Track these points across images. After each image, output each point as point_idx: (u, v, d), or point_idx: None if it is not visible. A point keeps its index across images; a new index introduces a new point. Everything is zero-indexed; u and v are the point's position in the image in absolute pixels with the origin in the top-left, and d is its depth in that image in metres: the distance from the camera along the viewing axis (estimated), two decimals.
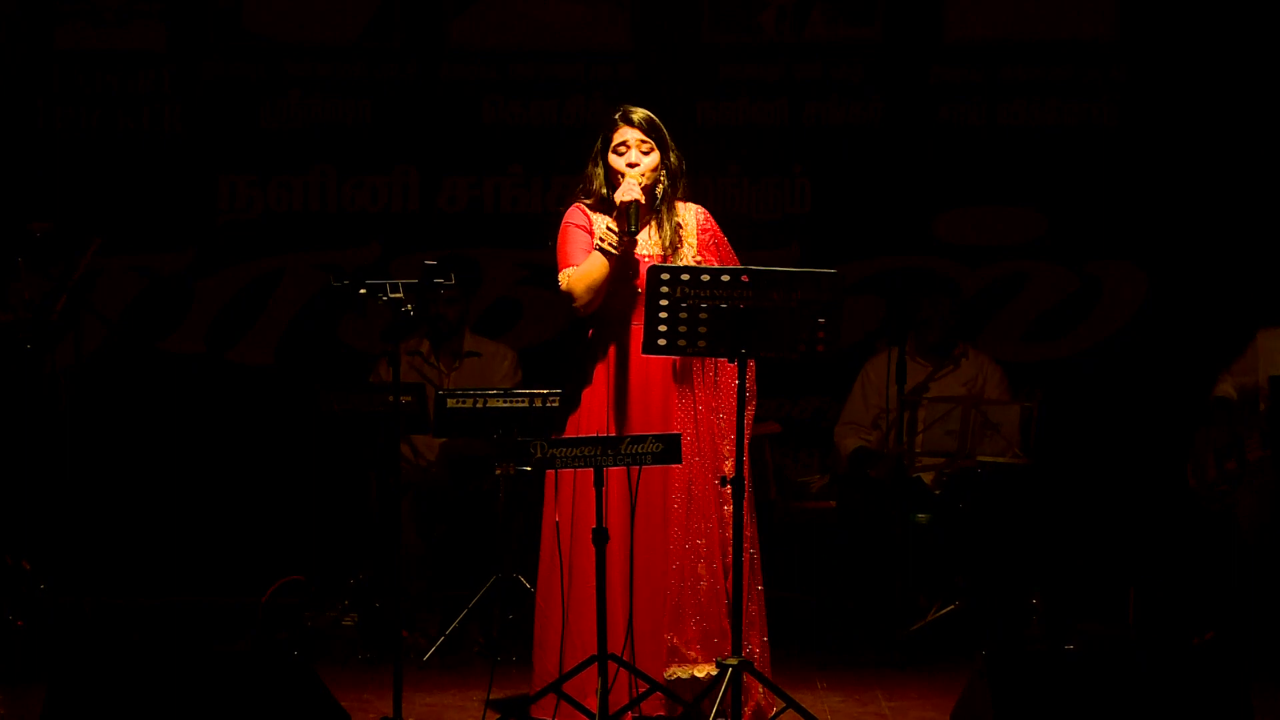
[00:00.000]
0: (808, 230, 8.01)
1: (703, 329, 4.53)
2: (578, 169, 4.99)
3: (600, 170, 4.89)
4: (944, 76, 8.02)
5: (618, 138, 4.85)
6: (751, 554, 4.85)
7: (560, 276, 4.83)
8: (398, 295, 5.02)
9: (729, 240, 5.02)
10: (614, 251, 4.75)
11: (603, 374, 4.84)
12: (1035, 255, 7.98)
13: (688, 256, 4.88)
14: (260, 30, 7.99)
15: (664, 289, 4.51)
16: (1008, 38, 7.98)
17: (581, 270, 4.78)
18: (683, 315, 4.52)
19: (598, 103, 7.96)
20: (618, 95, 7.71)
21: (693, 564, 4.78)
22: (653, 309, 4.52)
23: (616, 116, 4.87)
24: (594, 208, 4.91)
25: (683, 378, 4.84)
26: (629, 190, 4.77)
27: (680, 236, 4.90)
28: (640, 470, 4.67)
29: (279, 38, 7.99)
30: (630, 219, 4.74)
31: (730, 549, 4.67)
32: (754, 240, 7.77)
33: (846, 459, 7.13)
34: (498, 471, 6.32)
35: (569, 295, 4.81)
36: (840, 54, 8.03)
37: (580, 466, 4.55)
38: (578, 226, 4.88)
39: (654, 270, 4.52)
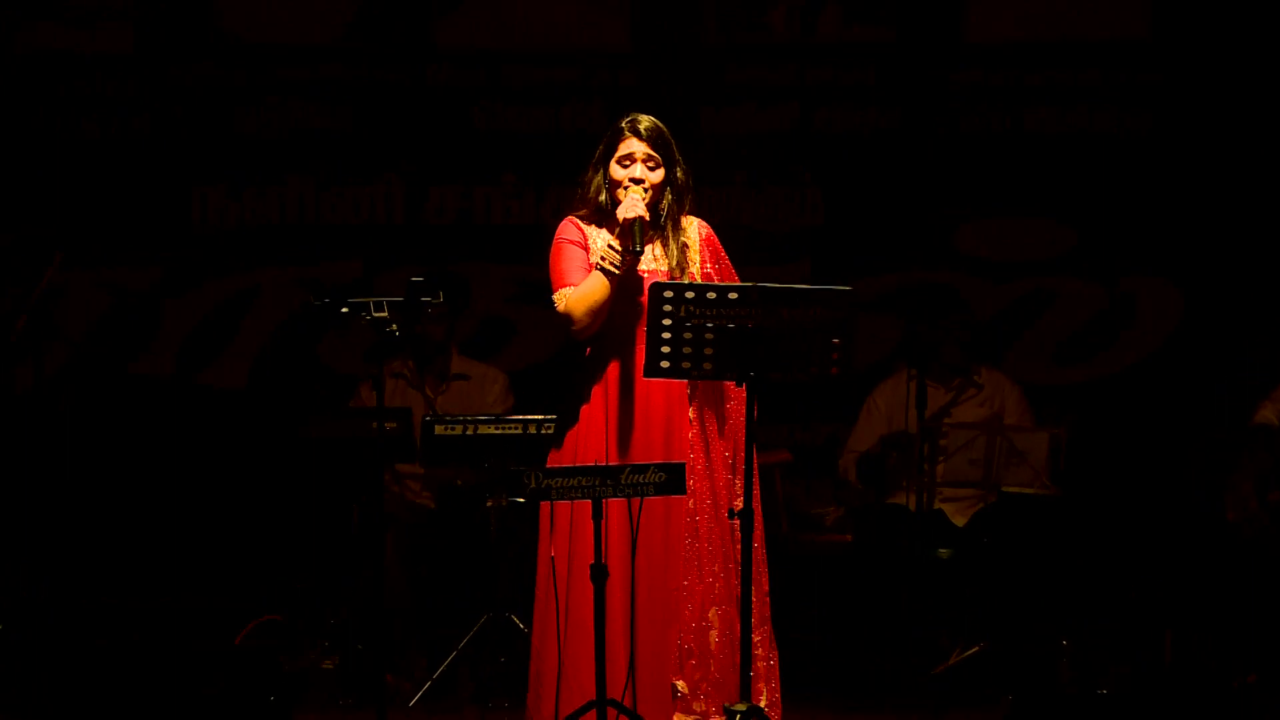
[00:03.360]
0: (819, 244, 8.00)
1: (708, 350, 4.51)
2: (575, 179, 4.97)
3: (600, 179, 4.86)
4: (965, 80, 8.02)
5: (623, 148, 4.83)
6: (764, 595, 4.83)
7: (556, 297, 4.81)
8: (382, 314, 5.00)
9: (729, 257, 5.01)
10: (615, 271, 4.73)
11: (601, 397, 4.82)
12: (1063, 271, 7.97)
13: (693, 274, 4.87)
14: (235, 31, 7.99)
15: (667, 308, 4.50)
16: (1033, 38, 7.98)
17: (581, 291, 4.76)
18: (687, 336, 4.51)
19: (596, 108, 7.96)
20: (617, 100, 7.73)
21: (701, 605, 4.75)
22: (655, 329, 4.51)
23: (624, 125, 4.84)
24: (589, 220, 4.88)
25: (690, 402, 4.82)
26: (633, 206, 4.74)
27: (686, 254, 4.89)
28: (642, 502, 4.65)
29: (255, 39, 7.99)
30: (634, 237, 4.72)
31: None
32: (761, 254, 7.77)
33: (857, 479, 7.12)
34: (489, 503, 6.31)
35: (567, 318, 4.78)
36: (854, 56, 8.03)
37: (577, 498, 4.53)
38: (572, 243, 4.85)
39: (656, 288, 4.51)
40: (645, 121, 4.85)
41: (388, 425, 6.35)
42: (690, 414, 4.82)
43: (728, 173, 8.00)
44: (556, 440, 4.90)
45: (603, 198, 4.86)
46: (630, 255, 4.73)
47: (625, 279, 4.79)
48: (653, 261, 4.87)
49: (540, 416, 6.25)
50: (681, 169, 4.89)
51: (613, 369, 4.82)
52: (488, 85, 8.03)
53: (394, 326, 4.99)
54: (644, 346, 4.63)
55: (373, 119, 8.03)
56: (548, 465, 4.83)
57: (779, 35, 8.05)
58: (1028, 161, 7.98)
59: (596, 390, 4.83)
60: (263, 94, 8.01)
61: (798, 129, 8.03)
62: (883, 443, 7.06)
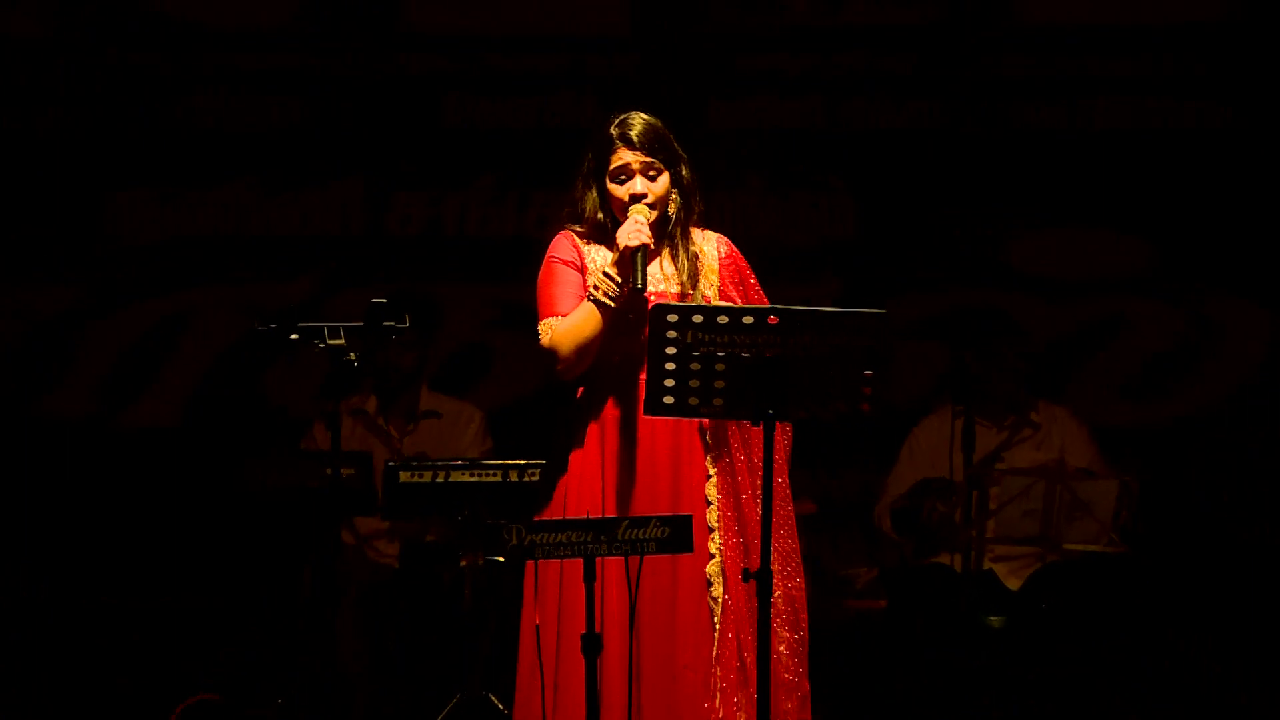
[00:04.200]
0: (849, 259, 8.01)
1: (719, 384, 4.50)
2: (563, 182, 4.96)
3: (593, 194, 4.85)
4: (1018, 68, 8.05)
5: (616, 161, 4.79)
6: (791, 680, 4.82)
7: (542, 327, 4.78)
8: (338, 341, 5.01)
9: (757, 276, 5.02)
10: (610, 304, 4.72)
11: (597, 441, 4.80)
12: (1134, 291, 7.98)
13: (709, 296, 4.86)
14: (167, 10, 8.01)
15: (671, 333, 4.48)
16: (1098, 21, 8.01)
17: (570, 324, 4.73)
18: (694, 367, 4.50)
19: (589, 100, 7.98)
20: (613, 90, 7.75)
21: (709, 689, 4.75)
22: (657, 359, 4.49)
23: (613, 133, 4.80)
24: (587, 236, 4.87)
25: (708, 450, 4.82)
26: (635, 233, 4.71)
27: (699, 269, 4.88)
28: (642, 562, 4.65)
29: (190, 18, 8.01)
30: (636, 268, 4.70)
31: (777, 673, 4.69)
32: (781, 271, 7.77)
33: (891, 528, 7.12)
34: (463, 562, 6.30)
35: (551, 354, 4.74)
36: (888, 40, 8.06)
37: (567, 556, 4.51)
38: (565, 263, 4.83)
39: (659, 311, 4.48)
40: (637, 126, 4.81)
41: (344, 472, 6.33)
42: (708, 463, 4.81)
43: (741, 176, 8.02)
44: (544, 491, 4.90)
45: (600, 216, 4.86)
46: (629, 288, 4.71)
47: (624, 311, 4.78)
48: (660, 281, 4.84)
49: (524, 461, 6.24)
50: (688, 168, 4.89)
51: (611, 408, 4.81)
52: (462, 74, 8.06)
53: (352, 356, 5.00)
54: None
55: (327, 113, 8.05)
56: (533, 519, 4.83)
57: (799, 16, 8.08)
58: (1091, 163, 8.00)
59: (591, 433, 4.81)
60: (199, 83, 8.03)
61: (822, 125, 8.05)
62: (921, 489, 7.07)
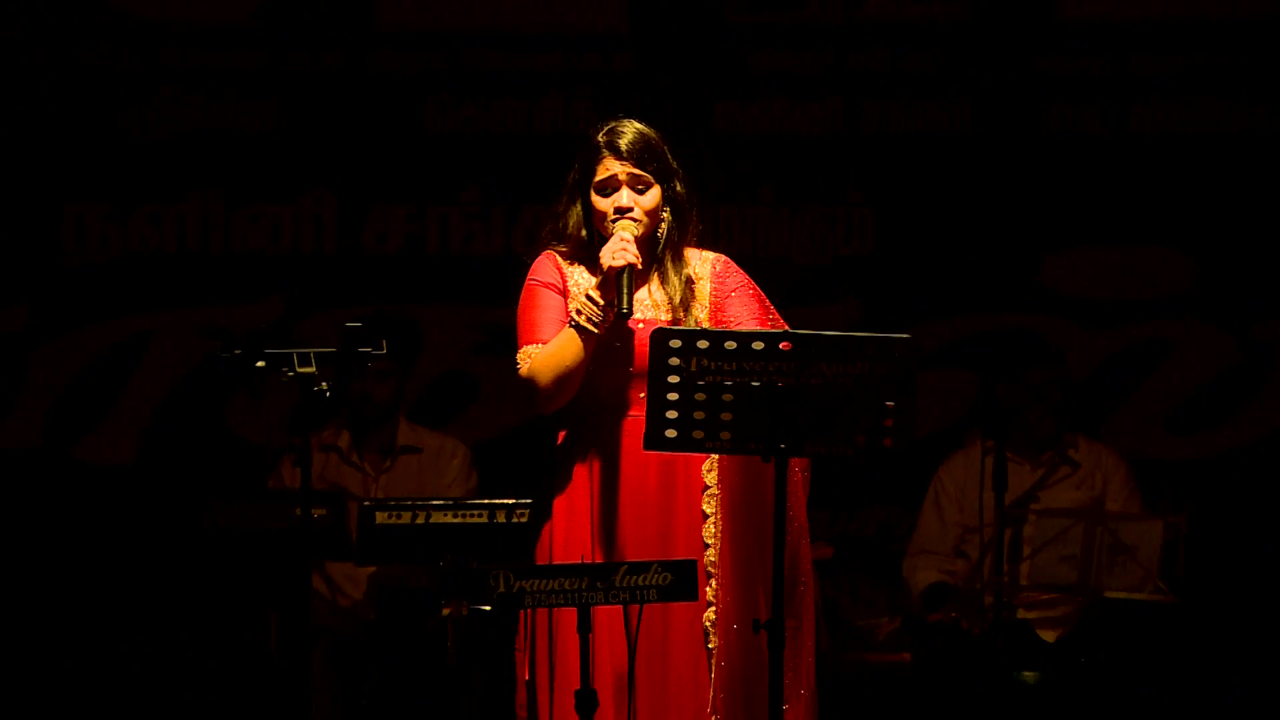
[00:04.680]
0: (869, 278, 8.01)
1: (726, 416, 4.49)
2: (556, 195, 4.96)
3: (578, 209, 4.82)
4: (1055, 68, 8.05)
5: (602, 172, 4.76)
6: None
7: (520, 356, 4.74)
8: (308, 369, 5.00)
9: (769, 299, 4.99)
10: (593, 330, 4.70)
11: (584, 481, 4.79)
12: (1182, 314, 7.98)
13: (701, 322, 4.84)
14: (118, 6, 8.01)
15: (674, 360, 4.48)
16: (1141, 15, 8.01)
17: (549, 352, 4.70)
18: (699, 398, 4.48)
19: (583, 103, 7.99)
20: (610, 92, 7.75)
21: None
22: (658, 389, 4.48)
23: (600, 141, 4.77)
24: (570, 256, 4.85)
25: (707, 482, 4.80)
26: (620, 251, 4.67)
27: (692, 294, 4.86)
28: (642, 611, 4.64)
29: (144, 15, 8.01)
30: (622, 290, 4.67)
31: None
32: (795, 292, 7.76)
33: (919, 599, 7.11)
34: (446, 611, 6.29)
35: (530, 385, 4.70)
36: (912, 38, 8.07)
37: (560, 605, 4.50)
38: (546, 285, 4.80)
39: (660, 336, 4.47)
40: (627, 134, 4.77)
41: (315, 512, 6.33)
42: (705, 503, 4.80)
43: (750, 187, 8.02)
44: (532, 535, 4.88)
45: (584, 233, 4.84)
46: (613, 311, 4.68)
47: (613, 333, 4.77)
48: (649, 308, 4.82)
49: (512, 501, 6.24)
50: (682, 182, 4.85)
51: (598, 446, 4.77)
52: (444, 75, 8.06)
53: (324, 385, 5.00)
54: (642, 415, 4.64)
55: (296, 119, 8.05)
56: (525, 563, 4.82)
57: (815, 12, 8.08)
58: (1134, 172, 8.00)
59: (578, 474, 4.78)
60: (157, 86, 8.03)
61: (840, 131, 8.06)
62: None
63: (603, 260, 4.66)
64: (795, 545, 4.81)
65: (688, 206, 4.85)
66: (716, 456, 4.78)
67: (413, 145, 8.06)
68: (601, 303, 4.66)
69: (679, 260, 4.85)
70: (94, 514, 7.90)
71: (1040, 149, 8.04)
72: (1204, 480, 7.79)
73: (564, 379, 4.69)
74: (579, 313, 4.67)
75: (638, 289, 4.74)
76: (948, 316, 7.99)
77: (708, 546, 4.79)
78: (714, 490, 4.79)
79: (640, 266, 4.70)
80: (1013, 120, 8.06)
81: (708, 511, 4.80)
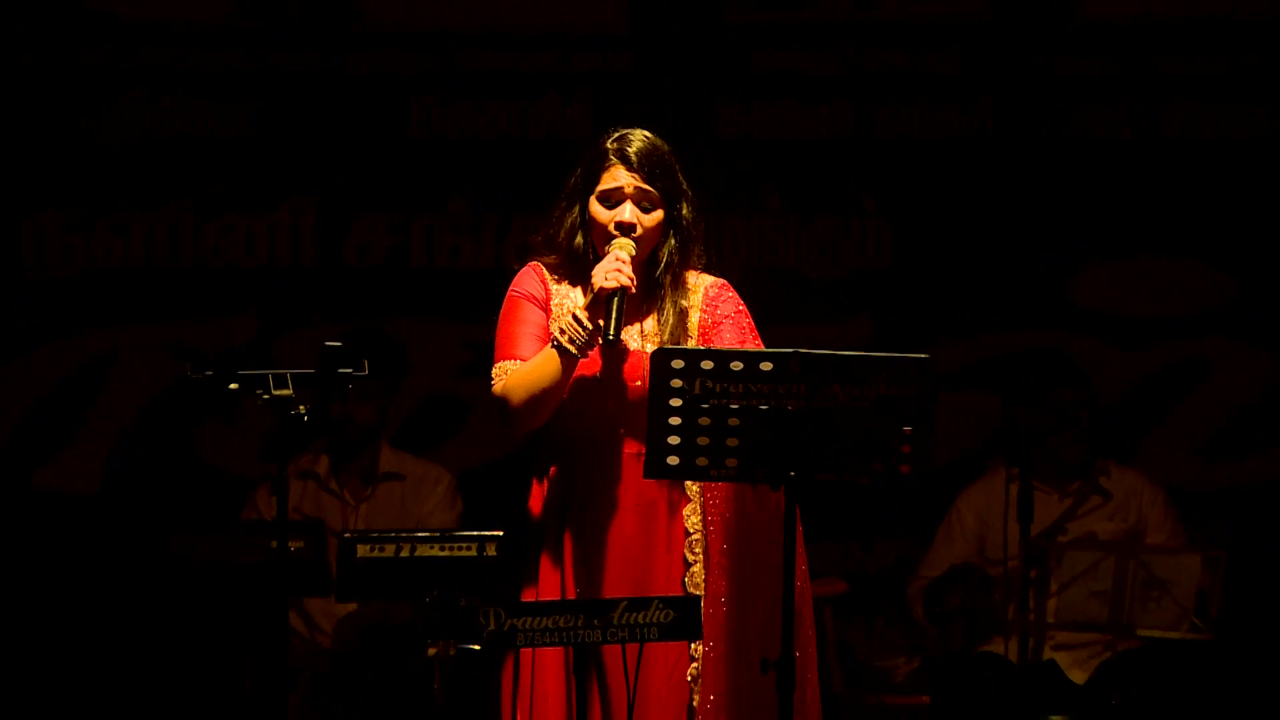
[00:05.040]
0: (884, 294, 8.01)
1: (732, 441, 4.48)
2: (548, 206, 4.93)
3: (575, 216, 4.78)
4: (1079, 69, 8.06)
5: (608, 180, 4.73)
6: None
7: (495, 371, 4.69)
8: (284, 391, 5.00)
9: (756, 322, 4.94)
10: (574, 352, 4.67)
11: (560, 523, 4.75)
12: (1219, 331, 7.98)
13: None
14: (89, 4, 8.01)
15: (676, 382, 4.48)
16: (1173, 13, 8.02)
17: (525, 371, 4.65)
18: (703, 422, 4.48)
19: (579, 107, 7.99)
20: (608, 95, 7.75)
21: None
22: (660, 413, 4.48)
23: (609, 146, 4.74)
24: (558, 269, 4.81)
25: (689, 529, 4.79)
26: (613, 272, 4.63)
27: (684, 326, 4.81)
28: (641, 651, 4.64)
29: (114, 11, 8.01)
30: (611, 315, 4.64)
31: None
32: (805, 309, 7.78)
33: (922, 606, 7.12)
34: (431, 651, 6.29)
35: (501, 404, 4.66)
36: (929, 37, 8.07)
37: (552, 644, 4.50)
38: (528, 298, 4.78)
39: (662, 356, 4.46)
40: (638, 142, 4.74)
41: (292, 544, 6.33)
42: (687, 550, 4.77)
43: (756, 195, 8.02)
44: (509, 571, 4.88)
45: (578, 242, 4.81)
46: (598, 335, 4.65)
47: (595, 363, 4.74)
48: (639, 338, 4.77)
49: (502, 533, 6.24)
50: (689, 206, 4.80)
51: (574, 485, 4.76)
52: (432, 76, 8.06)
53: (301, 409, 4.99)
54: (625, 452, 4.64)
55: (273, 123, 8.05)
56: (518, 599, 4.81)
57: (826, 9, 8.09)
58: (1167, 180, 8.00)
59: (551, 515, 4.76)
60: (125, 88, 8.03)
61: (853, 136, 8.06)
62: (953, 578, 7.06)
63: (594, 280, 4.62)
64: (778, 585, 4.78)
65: (693, 234, 4.81)
66: (700, 501, 4.76)
67: (397, 151, 8.07)
68: (589, 326, 4.61)
69: (677, 290, 4.81)
70: (55, 547, 7.88)
71: (1066, 155, 8.04)
72: (1244, 510, 7.78)
73: (537, 401, 4.66)
74: (561, 332, 4.62)
75: (629, 320, 4.71)
76: (968, 335, 7.99)
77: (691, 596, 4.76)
78: (697, 537, 4.76)
79: (634, 291, 4.66)
80: (1036, 124, 8.06)
81: (690, 559, 4.77)
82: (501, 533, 6.22)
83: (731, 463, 4.52)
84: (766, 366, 4.48)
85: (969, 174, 8.04)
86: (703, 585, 4.73)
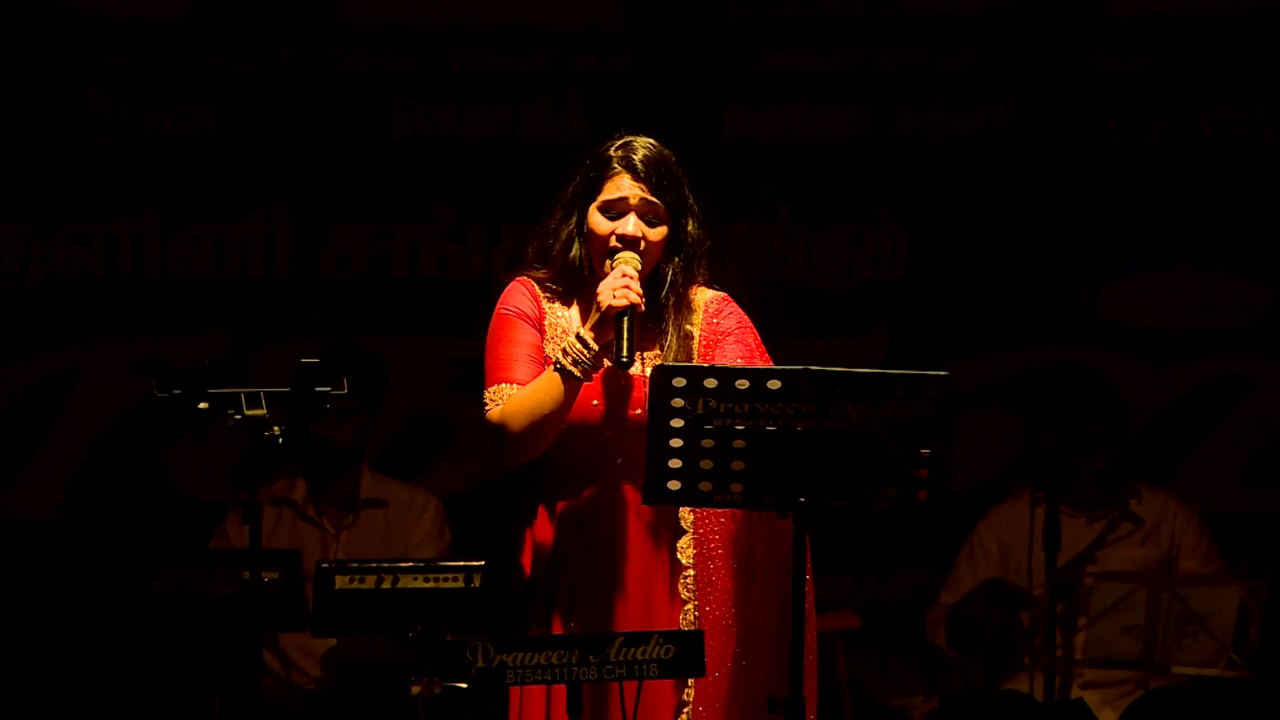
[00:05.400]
0: (901, 308, 8.01)
1: (738, 465, 4.48)
2: (539, 214, 4.93)
3: (571, 227, 4.76)
4: (1110, 67, 8.06)
5: (611, 189, 4.71)
6: None
7: (490, 395, 4.68)
8: (258, 411, 5.00)
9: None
10: (577, 376, 4.65)
11: (552, 558, 4.76)
12: (1259, 348, 7.98)
13: None
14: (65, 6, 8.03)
15: (677, 401, 4.47)
16: (1212, 8, 8.02)
17: (526, 396, 4.63)
18: (706, 445, 4.48)
19: (573, 109, 7.99)
20: (603, 97, 7.76)
21: None
22: (660, 434, 4.47)
23: (613, 153, 4.72)
24: (550, 285, 4.80)
25: (678, 560, 4.78)
26: (622, 290, 4.59)
27: (687, 349, 4.80)
28: (640, 689, 4.64)
29: (73, 8, 8.01)
30: (621, 335, 4.60)
31: None
32: (817, 322, 7.78)
33: (946, 629, 7.13)
34: (416, 690, 6.28)
35: (499, 431, 4.65)
36: (949, 33, 8.08)
37: (544, 681, 4.50)
38: (520, 316, 4.76)
39: (663, 374, 4.47)
40: (644, 150, 4.73)
41: (266, 576, 6.34)
42: (681, 585, 4.77)
43: (764, 202, 8.03)
44: (498, 603, 4.88)
45: (574, 254, 4.79)
46: (608, 358, 4.63)
47: (598, 386, 4.73)
48: (638, 363, 4.76)
49: (490, 563, 6.23)
50: (695, 222, 4.80)
51: (568, 518, 4.76)
52: (416, 76, 8.07)
53: (276, 430, 4.99)
54: (623, 483, 4.65)
55: (246, 125, 8.05)
56: (512, 633, 4.81)
57: (836, 3, 8.10)
58: (1205, 187, 8.00)
59: (542, 550, 4.76)
60: (84, 88, 8.03)
61: (869, 139, 8.06)
62: (982, 595, 7.07)
63: (600, 298, 4.60)
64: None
65: (698, 252, 4.81)
66: (693, 533, 4.76)
67: (379, 155, 8.07)
68: (594, 347, 4.60)
69: (681, 311, 4.80)
70: (10, 579, 7.88)
71: (1097, 159, 8.05)
72: None
73: (539, 428, 4.64)
74: (565, 354, 4.61)
75: (633, 355, 4.65)
76: (990, 351, 7.99)
77: None
78: (690, 573, 4.75)
79: (644, 309, 4.65)
80: (1064, 126, 8.07)
81: (684, 594, 4.76)
82: (489, 563, 6.22)
83: (737, 488, 4.52)
84: (774, 385, 4.48)
85: (991, 179, 8.05)
86: (695, 623, 4.73)
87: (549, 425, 4.65)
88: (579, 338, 4.62)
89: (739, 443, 4.49)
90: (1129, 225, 8.02)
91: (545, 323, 4.78)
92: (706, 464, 4.49)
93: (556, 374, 4.62)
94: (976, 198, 8.05)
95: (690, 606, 4.74)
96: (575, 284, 4.78)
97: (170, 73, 8.05)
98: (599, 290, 4.62)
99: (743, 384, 4.47)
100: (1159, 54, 8.04)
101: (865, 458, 4.52)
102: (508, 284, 4.83)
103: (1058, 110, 8.06)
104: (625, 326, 4.58)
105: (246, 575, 5.61)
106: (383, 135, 8.07)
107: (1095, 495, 7.21)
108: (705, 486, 4.51)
